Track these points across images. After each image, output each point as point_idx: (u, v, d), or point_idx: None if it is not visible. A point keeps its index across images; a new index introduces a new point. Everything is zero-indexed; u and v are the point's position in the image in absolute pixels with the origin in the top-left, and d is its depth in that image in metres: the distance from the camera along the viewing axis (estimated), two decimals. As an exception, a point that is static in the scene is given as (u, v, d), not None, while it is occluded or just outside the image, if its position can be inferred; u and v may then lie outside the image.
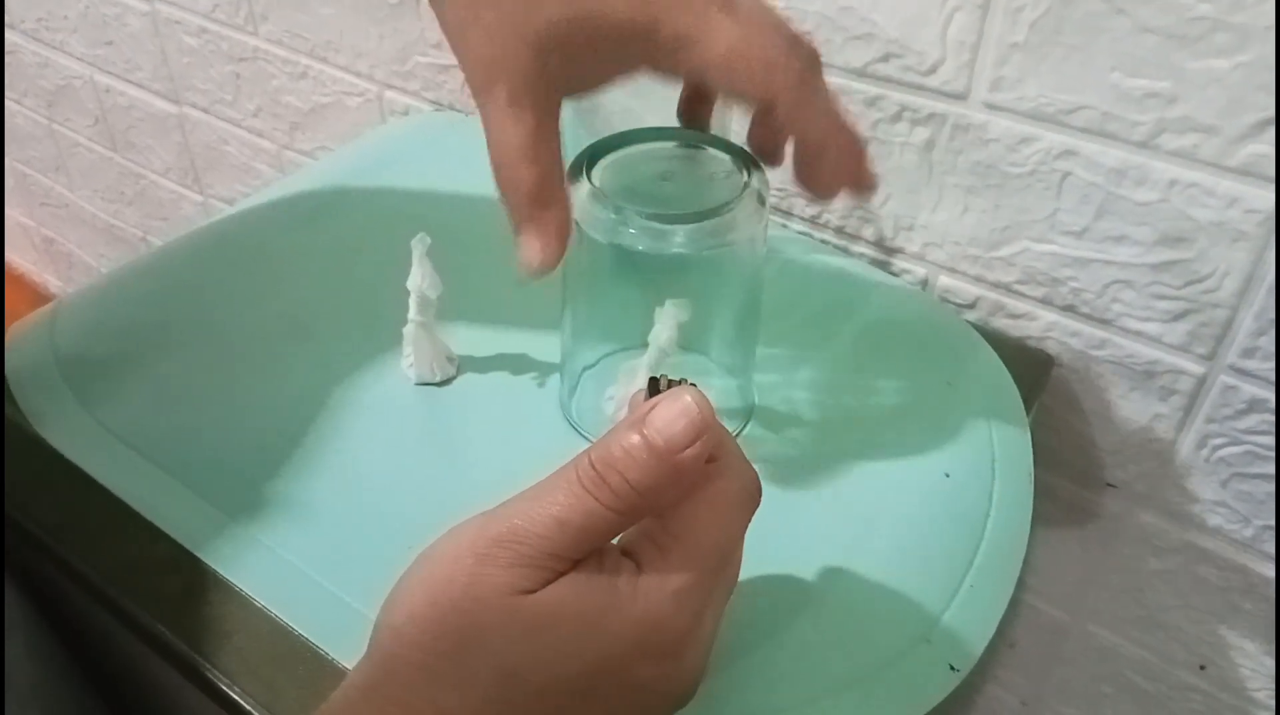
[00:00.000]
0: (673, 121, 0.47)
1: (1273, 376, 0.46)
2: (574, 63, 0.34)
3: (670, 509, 0.29)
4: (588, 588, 0.28)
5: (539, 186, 0.35)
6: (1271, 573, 0.52)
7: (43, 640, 0.46)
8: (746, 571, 0.37)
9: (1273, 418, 0.47)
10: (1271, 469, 0.49)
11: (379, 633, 0.29)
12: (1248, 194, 0.42)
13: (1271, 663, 0.55)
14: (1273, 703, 0.56)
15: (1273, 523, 0.50)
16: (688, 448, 0.27)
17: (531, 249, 0.35)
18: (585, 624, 0.27)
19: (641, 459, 0.27)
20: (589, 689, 0.28)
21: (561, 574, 0.28)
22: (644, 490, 0.28)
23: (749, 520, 0.31)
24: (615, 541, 0.30)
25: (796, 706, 0.34)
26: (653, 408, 0.28)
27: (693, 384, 0.29)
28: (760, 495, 0.31)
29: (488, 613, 0.27)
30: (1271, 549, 0.51)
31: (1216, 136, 0.42)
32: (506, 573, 0.27)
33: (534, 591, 0.27)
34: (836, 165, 0.36)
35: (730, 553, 0.30)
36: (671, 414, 0.28)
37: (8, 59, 1.08)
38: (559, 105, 0.35)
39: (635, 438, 0.28)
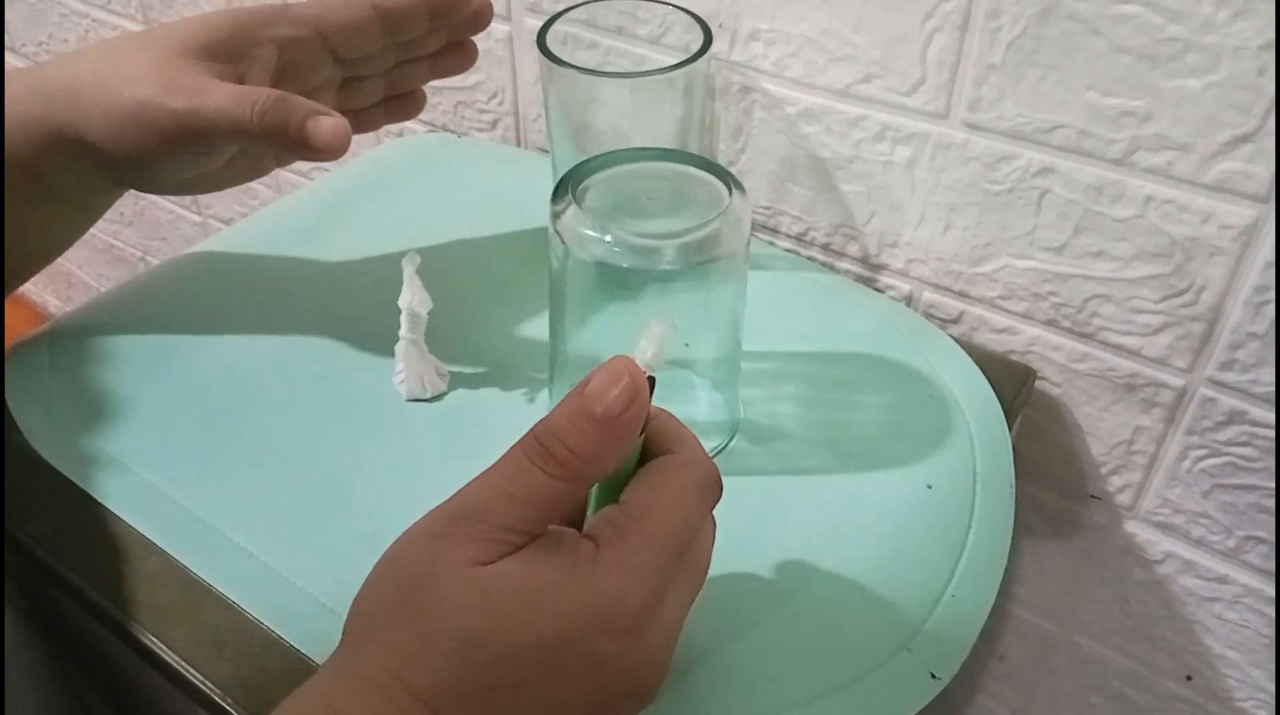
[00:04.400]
0: (659, 142, 0.48)
1: (1250, 388, 0.47)
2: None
3: (630, 495, 0.31)
4: (544, 560, 0.29)
5: (279, 98, 0.41)
6: (1255, 583, 0.52)
7: (42, 659, 0.46)
8: (727, 579, 0.37)
9: (1252, 429, 0.48)
10: (1252, 480, 0.49)
11: (348, 621, 0.30)
12: (1221, 210, 0.43)
13: (1257, 673, 0.55)
14: (1260, 712, 0.56)
15: (1255, 533, 0.51)
16: (623, 412, 0.29)
17: (323, 128, 0.41)
18: (541, 595, 0.28)
19: (581, 426, 0.29)
20: (548, 663, 0.28)
21: (519, 547, 0.29)
22: (585, 455, 0.29)
23: (709, 509, 0.32)
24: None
25: (776, 712, 0.34)
26: (589, 380, 0.29)
27: (651, 377, 0.31)
28: (720, 486, 0.33)
29: (446, 585, 0.28)
30: (1254, 559, 0.52)
31: (1190, 154, 0.43)
32: (462, 547, 0.29)
33: (490, 563, 0.29)
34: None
35: (689, 538, 0.31)
36: (605, 382, 0.29)
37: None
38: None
39: (574, 408, 0.29)
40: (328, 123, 0.40)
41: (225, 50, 0.43)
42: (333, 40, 0.46)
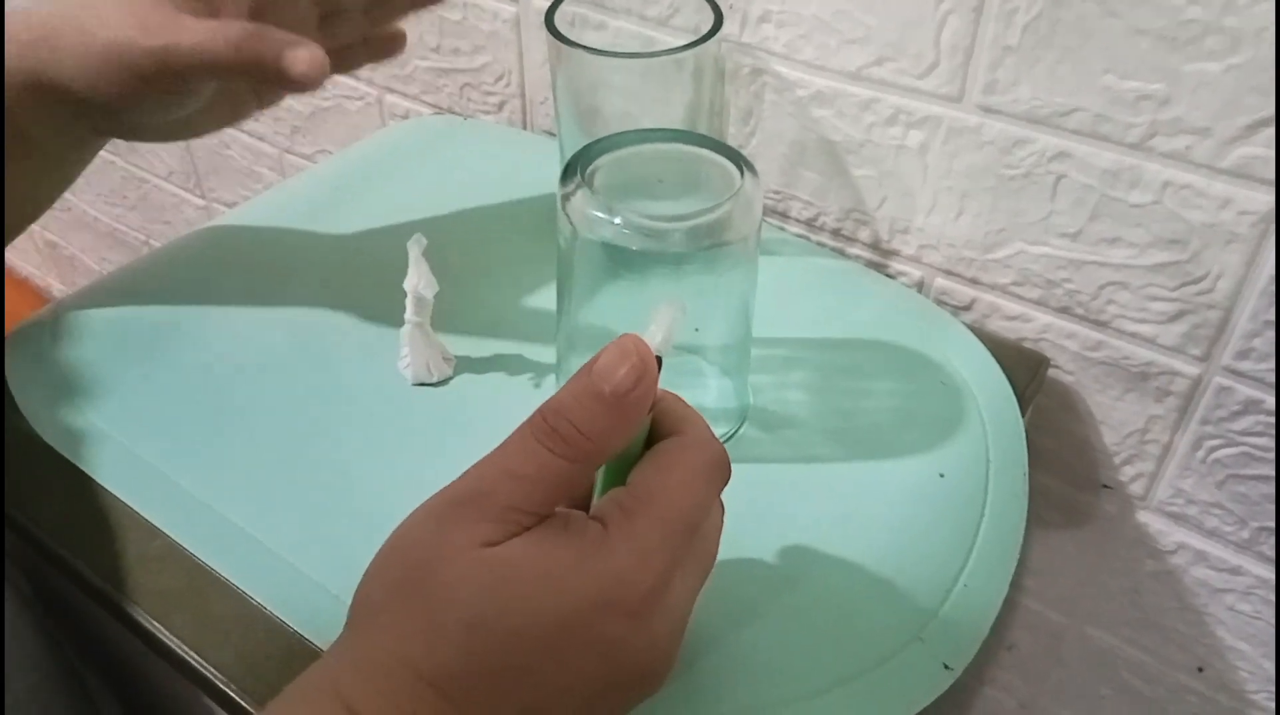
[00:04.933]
0: (668, 125, 0.48)
1: (1267, 377, 0.46)
2: None
3: (637, 477, 0.30)
4: (551, 541, 0.28)
5: (254, 30, 0.39)
6: (1268, 574, 0.52)
7: (42, 646, 0.46)
8: (737, 567, 0.37)
9: (1268, 419, 0.47)
10: (1266, 470, 0.49)
11: (353, 605, 0.30)
12: (1240, 196, 0.43)
13: (1269, 665, 0.55)
14: (1271, 704, 0.56)
15: (1268, 524, 0.50)
16: (631, 390, 0.29)
17: (300, 59, 0.39)
18: (549, 576, 0.28)
19: (589, 405, 0.29)
20: (556, 644, 0.28)
21: (526, 528, 0.29)
22: (593, 434, 0.29)
23: (717, 492, 0.32)
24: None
25: (788, 702, 0.34)
26: (597, 359, 0.29)
27: (659, 357, 0.30)
28: (729, 469, 0.32)
29: (452, 566, 0.28)
30: (1267, 550, 0.51)
31: (1209, 139, 0.42)
32: (468, 528, 0.28)
33: (496, 544, 0.28)
34: None
35: (697, 520, 0.30)
36: (613, 360, 0.29)
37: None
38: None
39: (582, 387, 0.29)
40: (304, 53, 0.39)
41: None
42: None
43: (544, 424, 0.29)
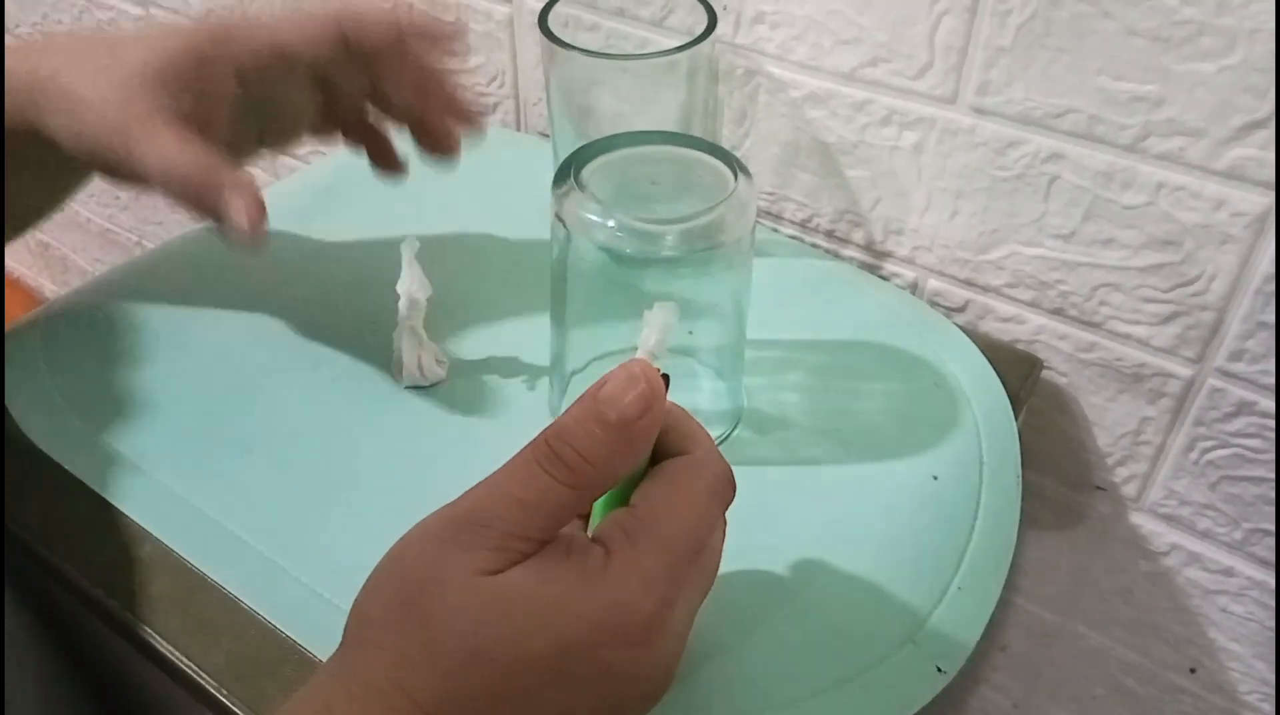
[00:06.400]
0: (662, 126, 0.48)
1: (1260, 379, 0.46)
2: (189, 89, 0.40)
3: (641, 498, 0.30)
4: (553, 569, 0.28)
5: (206, 167, 0.38)
6: (1261, 575, 0.52)
7: (33, 651, 0.46)
8: (731, 571, 0.37)
9: (1261, 421, 0.47)
10: (1259, 472, 0.49)
11: (349, 622, 0.29)
12: (1234, 197, 0.43)
13: (1261, 666, 0.55)
14: (1263, 705, 0.56)
15: (1261, 526, 0.50)
16: (639, 418, 0.28)
17: (238, 213, 0.38)
18: (550, 604, 0.27)
19: (594, 432, 0.28)
20: (556, 672, 0.27)
21: (527, 555, 0.28)
22: (598, 462, 0.28)
23: (722, 511, 0.32)
24: (587, 533, 0.30)
25: (780, 707, 0.34)
26: (604, 383, 0.28)
27: (665, 375, 0.30)
28: (734, 488, 0.32)
29: (451, 593, 0.27)
30: (1260, 552, 0.51)
31: (1203, 139, 0.42)
32: (469, 554, 0.28)
33: (498, 572, 0.28)
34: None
35: (702, 543, 0.30)
36: (621, 386, 0.28)
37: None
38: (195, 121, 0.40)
39: (587, 412, 0.28)
40: (239, 203, 0.38)
41: (184, 83, 0.40)
42: (302, 58, 0.43)
43: (546, 448, 0.28)
